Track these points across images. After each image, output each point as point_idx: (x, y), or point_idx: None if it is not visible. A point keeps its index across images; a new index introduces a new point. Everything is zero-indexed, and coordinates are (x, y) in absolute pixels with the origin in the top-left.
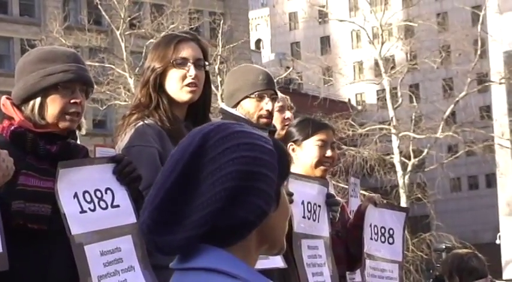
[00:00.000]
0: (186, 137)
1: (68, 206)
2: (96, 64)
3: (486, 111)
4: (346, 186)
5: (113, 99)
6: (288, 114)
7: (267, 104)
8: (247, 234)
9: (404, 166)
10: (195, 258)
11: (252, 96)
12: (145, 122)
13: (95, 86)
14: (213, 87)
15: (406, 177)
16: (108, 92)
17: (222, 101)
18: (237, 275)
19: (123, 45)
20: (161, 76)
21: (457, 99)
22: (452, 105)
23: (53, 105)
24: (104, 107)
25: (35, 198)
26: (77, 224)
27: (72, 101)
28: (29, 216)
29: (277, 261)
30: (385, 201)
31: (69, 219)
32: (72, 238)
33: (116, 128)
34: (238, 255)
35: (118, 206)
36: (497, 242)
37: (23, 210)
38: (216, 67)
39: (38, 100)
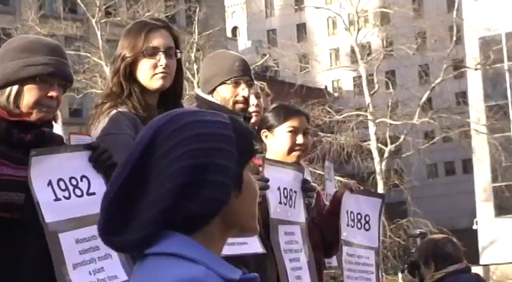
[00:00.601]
0: (142, 130)
1: (41, 193)
2: (72, 52)
3: (462, 97)
4: (323, 173)
5: (89, 87)
6: (253, 100)
7: (243, 90)
8: (204, 223)
9: (381, 152)
10: (156, 244)
11: (228, 82)
12: (119, 109)
13: None
14: (189, 75)
15: (383, 163)
16: (84, 81)
17: (198, 88)
18: (196, 259)
19: (98, 33)
20: (132, 65)
21: (433, 85)
22: (428, 92)
23: (29, 96)
24: (80, 96)
25: (8, 187)
26: (51, 211)
27: (49, 94)
28: (1, 205)
29: (255, 247)
30: (361, 188)
31: (42, 207)
32: (46, 226)
33: (90, 117)
34: (201, 241)
35: (94, 193)
36: (474, 227)
37: None
38: (192, 55)
39: (15, 89)
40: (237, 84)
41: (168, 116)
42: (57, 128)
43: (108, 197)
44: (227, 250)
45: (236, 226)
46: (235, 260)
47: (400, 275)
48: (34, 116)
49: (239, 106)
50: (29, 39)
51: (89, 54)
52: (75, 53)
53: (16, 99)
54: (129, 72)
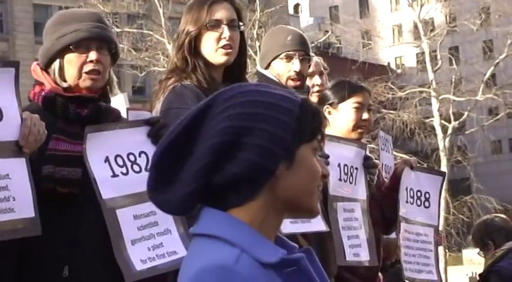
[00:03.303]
0: None
1: (98, 170)
2: (135, 30)
3: None
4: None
5: (151, 65)
6: (317, 80)
7: (293, 65)
8: (250, 193)
9: (444, 129)
10: (200, 223)
11: (280, 56)
12: (183, 84)
13: (134, 53)
14: (251, 52)
15: (447, 140)
16: (146, 59)
17: None
18: (233, 241)
19: (161, 11)
20: (196, 39)
21: (497, 61)
22: (492, 67)
23: (70, 66)
24: (143, 74)
25: (65, 162)
26: (109, 188)
27: (88, 59)
28: (59, 180)
29: (318, 225)
30: (423, 165)
31: (99, 183)
32: (103, 202)
33: (153, 92)
34: (244, 217)
35: None
36: None
37: (53, 174)
38: (255, 32)
39: (57, 63)
40: (289, 59)
41: (232, 86)
42: (120, 98)
43: (156, 155)
44: (290, 228)
45: (287, 204)
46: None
47: (463, 251)
48: (83, 86)
49: (291, 83)
50: (62, 13)
51: (151, 32)
52: (138, 31)
53: (61, 73)
54: (193, 47)
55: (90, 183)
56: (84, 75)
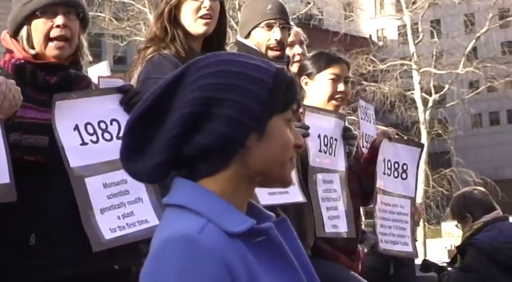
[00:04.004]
0: None
1: (66, 138)
2: (116, 0)
3: (508, 46)
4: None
5: (133, 35)
6: (297, 49)
7: (274, 33)
8: (220, 163)
9: (425, 102)
10: (171, 193)
11: (260, 25)
12: (161, 53)
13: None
14: (233, 23)
15: (427, 113)
16: (128, 28)
17: None
18: (199, 211)
19: None
20: (176, 8)
21: (478, 34)
22: (473, 41)
23: (37, 32)
24: (124, 43)
25: (32, 129)
26: (77, 156)
27: (55, 25)
28: (25, 148)
29: (296, 196)
30: (404, 138)
31: (67, 151)
32: (71, 171)
33: (132, 62)
34: (215, 187)
35: None
36: None
37: (19, 142)
38: (236, 3)
39: (25, 29)
40: (269, 27)
41: (207, 55)
42: (102, 66)
43: (129, 123)
44: (267, 199)
45: (259, 174)
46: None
47: (443, 224)
48: (49, 54)
49: (272, 52)
50: None
51: (133, 2)
52: (120, 1)
53: (28, 40)
54: (173, 16)
55: (58, 151)
56: (50, 43)
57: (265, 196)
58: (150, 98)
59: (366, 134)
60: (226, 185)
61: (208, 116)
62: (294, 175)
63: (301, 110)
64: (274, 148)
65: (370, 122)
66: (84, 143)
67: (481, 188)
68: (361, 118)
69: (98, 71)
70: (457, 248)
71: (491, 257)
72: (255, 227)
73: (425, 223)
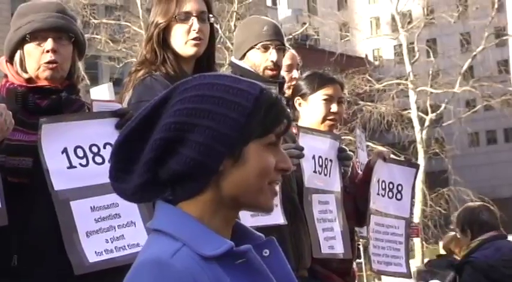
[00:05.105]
0: None
1: (52, 161)
2: (112, 22)
3: (504, 65)
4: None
5: (129, 56)
6: (295, 74)
7: (270, 55)
8: (195, 188)
9: (421, 121)
10: (154, 218)
11: (256, 47)
12: (153, 75)
13: (112, 44)
14: (229, 44)
15: (424, 132)
16: (124, 50)
17: None
18: (175, 235)
19: (138, 2)
20: (165, 31)
21: (474, 53)
22: (469, 60)
23: (29, 58)
24: (121, 65)
25: (17, 151)
26: (63, 179)
27: (45, 49)
28: (8, 170)
29: (276, 218)
30: (402, 157)
31: (52, 174)
32: (55, 194)
33: (123, 85)
34: (194, 210)
35: None
36: None
37: (3, 164)
38: (232, 24)
39: (18, 54)
40: (265, 49)
41: (192, 77)
42: (103, 88)
43: (115, 144)
44: (250, 221)
45: (234, 198)
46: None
47: (441, 244)
48: (42, 77)
49: (268, 72)
50: (24, 5)
51: (129, 24)
52: (116, 23)
53: (22, 64)
54: (162, 39)
55: (43, 173)
56: (42, 66)
57: (247, 218)
58: (137, 119)
59: (361, 164)
60: (204, 208)
61: (181, 141)
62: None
63: (295, 131)
64: (249, 174)
65: (364, 150)
66: (72, 166)
67: (493, 208)
68: (358, 147)
69: (99, 93)
70: (455, 266)
71: (486, 275)
72: (234, 250)
73: (423, 242)
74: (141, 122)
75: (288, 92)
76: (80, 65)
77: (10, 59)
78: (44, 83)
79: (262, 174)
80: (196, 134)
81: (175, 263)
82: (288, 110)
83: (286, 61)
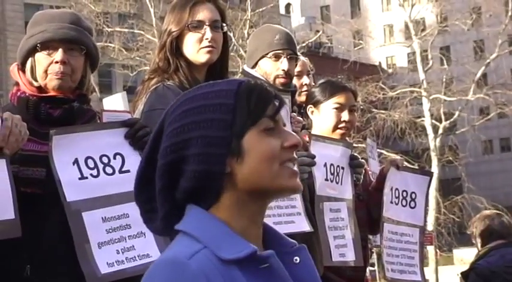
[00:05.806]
0: None
1: (64, 172)
2: (126, 30)
3: None
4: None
5: (143, 65)
6: (305, 80)
7: (282, 64)
8: (212, 196)
9: (435, 129)
10: (183, 219)
11: (268, 55)
12: (165, 84)
13: (125, 52)
14: (242, 52)
15: (438, 140)
16: (138, 58)
17: None
18: (197, 236)
19: (152, 10)
20: (178, 39)
21: (488, 60)
22: (483, 67)
23: (38, 66)
24: (134, 73)
25: (29, 161)
26: (75, 190)
27: (55, 60)
28: (22, 180)
29: (302, 226)
30: (415, 165)
31: (64, 185)
32: (68, 205)
33: (136, 93)
34: (221, 214)
35: (128, 171)
36: None
37: (16, 174)
38: (246, 32)
39: (29, 62)
40: (277, 58)
41: (179, 97)
42: (117, 98)
43: (134, 190)
44: None
45: (253, 191)
46: None
47: (454, 251)
48: (50, 86)
49: (280, 81)
50: (39, 13)
51: (142, 32)
52: (129, 31)
53: (32, 73)
54: (175, 47)
55: (55, 183)
56: (51, 76)
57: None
58: (144, 156)
59: (373, 173)
60: (229, 211)
61: (183, 160)
62: (299, 199)
63: (307, 138)
64: (255, 162)
65: (375, 159)
66: (83, 177)
67: (506, 217)
68: (369, 156)
69: (113, 103)
70: (462, 273)
71: (489, 281)
72: (257, 254)
73: (437, 250)
74: (148, 157)
75: (299, 99)
76: (92, 77)
77: (22, 66)
78: (52, 92)
79: (268, 159)
80: (192, 148)
81: (192, 264)
82: (273, 89)
83: (296, 68)
